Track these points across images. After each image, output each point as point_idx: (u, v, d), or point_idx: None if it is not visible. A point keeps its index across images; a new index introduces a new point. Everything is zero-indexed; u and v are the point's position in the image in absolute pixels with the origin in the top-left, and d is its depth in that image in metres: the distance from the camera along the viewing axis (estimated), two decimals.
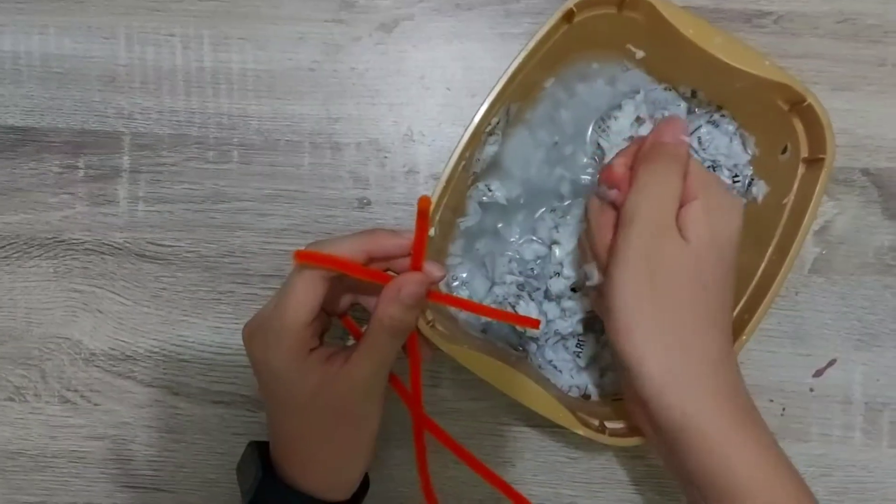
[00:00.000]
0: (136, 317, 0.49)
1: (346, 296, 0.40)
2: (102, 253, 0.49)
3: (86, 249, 0.49)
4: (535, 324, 0.40)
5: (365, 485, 0.41)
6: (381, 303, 0.36)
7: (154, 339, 0.49)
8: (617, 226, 0.36)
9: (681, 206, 0.36)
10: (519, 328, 0.46)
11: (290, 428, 0.38)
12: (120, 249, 0.49)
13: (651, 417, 0.35)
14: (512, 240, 0.47)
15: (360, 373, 0.36)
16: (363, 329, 0.38)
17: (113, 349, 0.49)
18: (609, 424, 0.42)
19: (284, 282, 0.37)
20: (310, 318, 0.36)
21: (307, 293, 0.36)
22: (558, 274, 0.46)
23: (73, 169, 0.49)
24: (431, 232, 0.42)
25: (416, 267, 0.37)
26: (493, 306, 0.47)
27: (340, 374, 0.36)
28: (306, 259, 0.35)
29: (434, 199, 0.41)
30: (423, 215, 0.35)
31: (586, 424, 0.42)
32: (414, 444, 0.41)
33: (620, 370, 0.37)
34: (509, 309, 0.47)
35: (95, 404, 0.49)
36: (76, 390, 0.49)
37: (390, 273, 0.38)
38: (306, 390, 0.36)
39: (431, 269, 0.37)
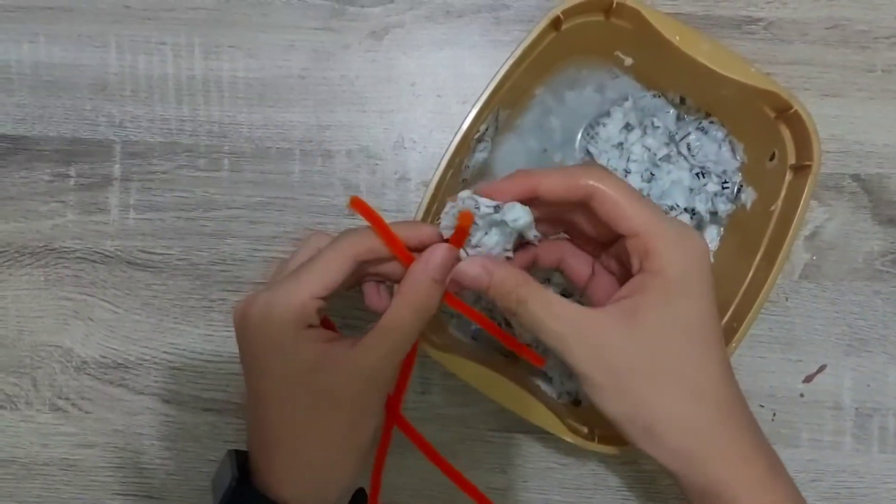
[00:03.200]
0: (128, 325, 0.49)
1: (346, 284, 0.36)
2: (93, 261, 0.49)
3: (77, 258, 0.49)
4: (540, 362, 0.39)
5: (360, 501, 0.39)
6: (407, 278, 0.35)
7: (145, 347, 0.49)
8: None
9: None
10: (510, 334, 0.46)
11: (276, 414, 0.34)
12: (111, 257, 0.49)
13: (672, 477, 0.35)
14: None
15: (368, 356, 0.34)
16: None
17: (104, 357, 0.49)
18: (598, 431, 0.42)
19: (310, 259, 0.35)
20: (323, 291, 0.34)
21: (331, 266, 0.34)
22: (549, 280, 0.47)
23: (64, 177, 0.49)
24: None
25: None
26: (482, 313, 0.47)
27: (346, 355, 0.34)
28: (359, 207, 0.34)
29: (423, 207, 0.41)
30: (464, 224, 0.35)
31: (575, 431, 0.42)
32: (379, 442, 0.39)
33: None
34: (500, 318, 0.47)
35: (87, 412, 0.49)
36: (67, 398, 0.49)
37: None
38: (303, 365, 0.34)
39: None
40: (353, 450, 0.35)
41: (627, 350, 0.33)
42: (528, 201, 0.35)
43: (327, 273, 0.34)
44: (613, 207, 0.34)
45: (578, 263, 0.40)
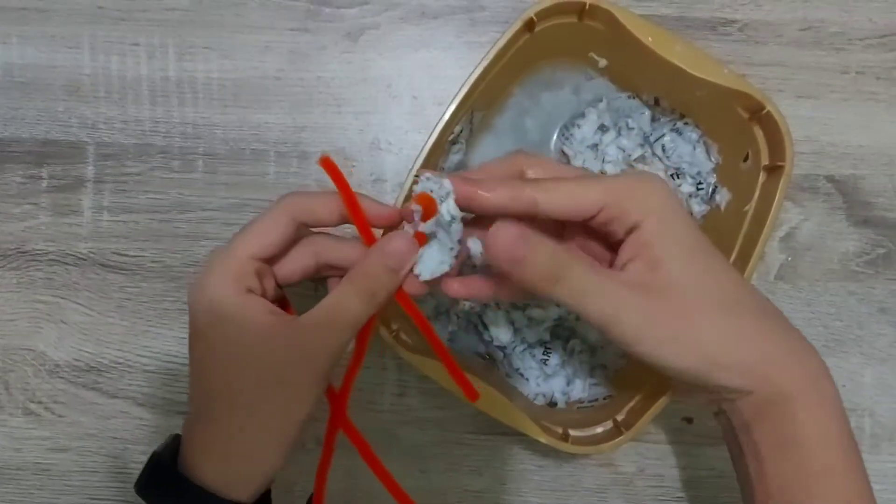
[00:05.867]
0: (101, 327, 0.48)
1: (299, 263, 0.35)
2: (66, 263, 0.48)
3: (49, 260, 0.49)
4: (473, 396, 0.37)
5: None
6: (359, 262, 0.33)
7: (119, 350, 0.48)
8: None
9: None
10: (486, 337, 0.46)
11: (205, 383, 0.33)
12: (84, 260, 0.49)
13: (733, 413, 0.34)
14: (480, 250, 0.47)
15: (307, 339, 0.33)
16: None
17: (77, 360, 0.48)
18: (573, 432, 0.42)
19: None
20: (260, 250, 0.33)
21: (267, 225, 0.33)
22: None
23: (37, 179, 0.49)
24: None
25: None
26: (460, 318, 0.47)
27: (283, 334, 0.32)
28: (328, 167, 0.33)
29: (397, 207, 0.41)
30: (428, 208, 0.34)
31: (549, 432, 0.41)
32: (323, 444, 0.37)
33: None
34: (476, 320, 0.47)
35: (60, 416, 0.48)
36: (40, 402, 0.48)
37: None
38: (236, 334, 0.32)
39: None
40: (280, 432, 0.33)
41: (668, 299, 0.33)
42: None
43: (263, 231, 0.33)
44: (564, 212, 0.33)
45: None
